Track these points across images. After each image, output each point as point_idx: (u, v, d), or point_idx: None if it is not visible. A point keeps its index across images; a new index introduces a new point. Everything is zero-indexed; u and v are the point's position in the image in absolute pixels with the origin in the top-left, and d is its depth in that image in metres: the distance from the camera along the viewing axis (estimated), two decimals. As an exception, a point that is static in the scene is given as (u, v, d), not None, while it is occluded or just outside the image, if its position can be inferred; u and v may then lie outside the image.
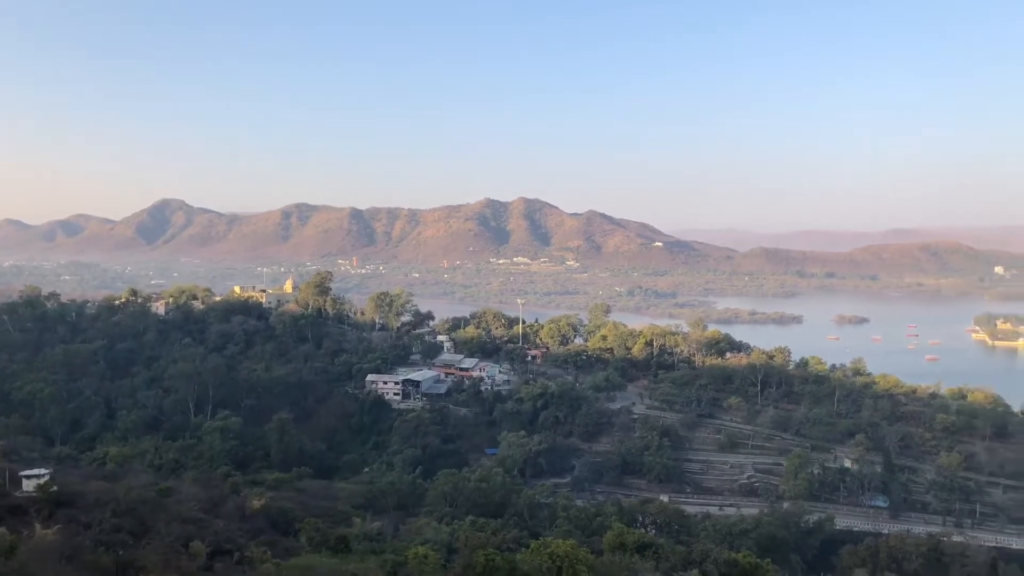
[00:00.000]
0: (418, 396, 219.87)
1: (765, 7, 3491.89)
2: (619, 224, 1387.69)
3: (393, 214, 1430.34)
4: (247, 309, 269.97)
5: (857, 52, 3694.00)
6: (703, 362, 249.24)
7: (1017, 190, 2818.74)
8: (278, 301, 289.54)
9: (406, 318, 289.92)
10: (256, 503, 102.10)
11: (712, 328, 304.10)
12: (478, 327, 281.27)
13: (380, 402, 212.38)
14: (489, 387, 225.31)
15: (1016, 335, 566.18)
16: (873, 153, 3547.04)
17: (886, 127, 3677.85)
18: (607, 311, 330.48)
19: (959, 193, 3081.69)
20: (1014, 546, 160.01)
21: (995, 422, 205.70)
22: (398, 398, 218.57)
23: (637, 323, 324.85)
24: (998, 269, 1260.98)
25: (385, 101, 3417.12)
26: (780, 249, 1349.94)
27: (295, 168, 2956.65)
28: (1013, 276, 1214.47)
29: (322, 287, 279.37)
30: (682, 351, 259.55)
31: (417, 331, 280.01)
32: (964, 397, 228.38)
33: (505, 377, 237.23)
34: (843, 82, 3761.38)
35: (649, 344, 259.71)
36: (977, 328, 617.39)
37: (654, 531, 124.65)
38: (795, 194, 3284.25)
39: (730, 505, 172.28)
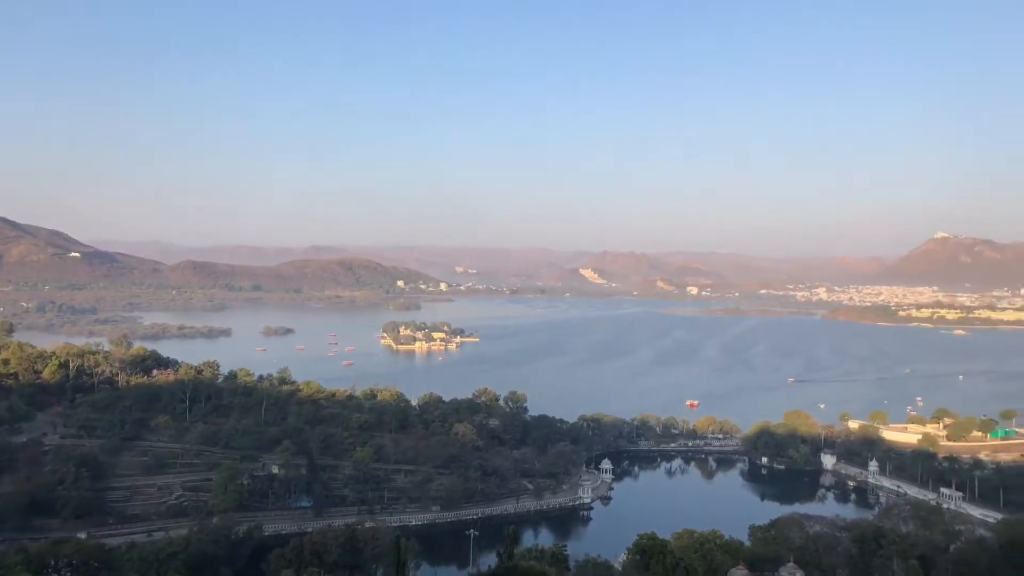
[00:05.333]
0: None
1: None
2: (25, 231, 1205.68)
3: None
4: None
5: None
6: (128, 382, 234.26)
7: (399, 216, 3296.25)
8: None
9: None
10: None
11: (138, 345, 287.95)
12: None
13: None
14: None
15: (414, 339, 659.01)
16: (292, 175, 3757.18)
17: (295, 154, 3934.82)
18: (10, 330, 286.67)
19: (359, 217, 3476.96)
20: (414, 523, 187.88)
21: (398, 416, 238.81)
22: None
23: (49, 343, 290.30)
24: (400, 283, 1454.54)
25: None
26: (208, 263, 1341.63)
27: None
28: (410, 288, 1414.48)
29: None
30: (104, 371, 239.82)
31: None
32: (375, 396, 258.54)
33: None
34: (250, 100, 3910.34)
35: (64, 366, 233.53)
36: (385, 334, 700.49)
37: (70, 574, 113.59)
38: (221, 209, 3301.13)
39: (158, 529, 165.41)
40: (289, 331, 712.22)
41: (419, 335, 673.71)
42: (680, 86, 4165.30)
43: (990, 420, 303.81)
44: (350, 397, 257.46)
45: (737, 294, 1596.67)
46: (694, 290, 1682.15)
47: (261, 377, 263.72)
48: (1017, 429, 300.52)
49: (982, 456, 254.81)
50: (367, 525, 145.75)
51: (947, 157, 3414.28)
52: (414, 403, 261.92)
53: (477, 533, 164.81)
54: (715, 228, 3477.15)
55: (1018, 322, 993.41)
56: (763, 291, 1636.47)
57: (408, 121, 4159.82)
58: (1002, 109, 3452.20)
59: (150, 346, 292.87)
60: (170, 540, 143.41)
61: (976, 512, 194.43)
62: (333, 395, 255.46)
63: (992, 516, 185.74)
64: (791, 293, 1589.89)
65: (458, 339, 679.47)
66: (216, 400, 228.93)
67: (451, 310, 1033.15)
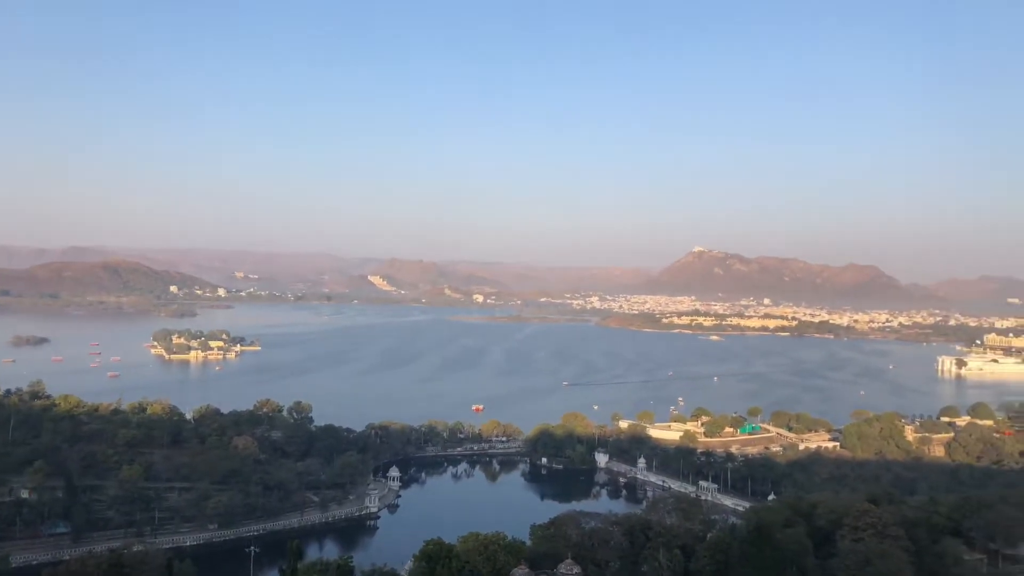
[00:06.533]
0: None
1: None
2: None
3: None
4: None
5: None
6: None
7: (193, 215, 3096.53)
8: None
9: None
10: None
11: None
12: None
13: None
14: None
15: (188, 348, 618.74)
16: (43, 165, 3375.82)
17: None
18: None
19: (124, 215, 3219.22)
20: (188, 543, 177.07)
21: (171, 430, 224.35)
22: None
23: None
24: (173, 288, 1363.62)
25: None
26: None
27: None
28: (185, 294, 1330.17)
29: None
30: None
31: None
32: (144, 410, 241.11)
33: None
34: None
35: None
36: (156, 343, 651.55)
37: None
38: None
39: None
40: (43, 340, 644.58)
41: (194, 344, 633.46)
42: (468, 93, 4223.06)
43: (739, 417, 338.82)
44: (115, 411, 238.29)
45: (519, 302, 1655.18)
46: (480, 298, 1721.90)
47: (8, 392, 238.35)
48: (761, 424, 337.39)
49: (733, 450, 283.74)
50: (135, 548, 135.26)
51: (702, 179, 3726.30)
52: (188, 416, 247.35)
53: (258, 550, 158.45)
54: (499, 238, 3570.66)
55: (762, 328, 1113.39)
56: (543, 299, 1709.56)
57: (173, 109, 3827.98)
58: (751, 136, 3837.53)
59: None
60: None
61: (729, 501, 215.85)
62: (96, 409, 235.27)
63: (742, 504, 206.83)
64: (568, 301, 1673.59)
65: (238, 348, 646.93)
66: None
67: (231, 317, 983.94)
